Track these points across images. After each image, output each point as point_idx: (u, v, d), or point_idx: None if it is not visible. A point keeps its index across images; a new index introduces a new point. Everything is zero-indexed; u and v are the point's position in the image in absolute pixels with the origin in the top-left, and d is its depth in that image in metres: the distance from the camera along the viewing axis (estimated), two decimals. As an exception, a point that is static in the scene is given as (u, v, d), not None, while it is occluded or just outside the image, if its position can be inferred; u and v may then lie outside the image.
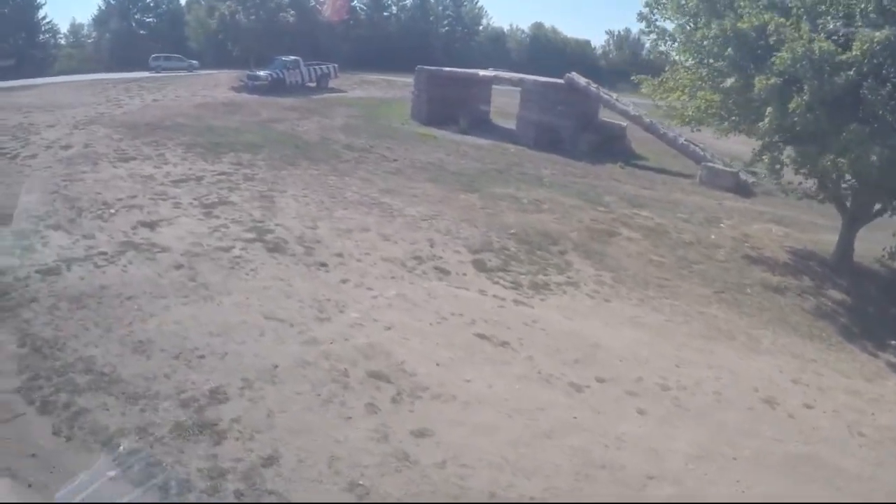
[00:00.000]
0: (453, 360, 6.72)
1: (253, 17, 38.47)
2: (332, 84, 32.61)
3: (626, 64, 52.59)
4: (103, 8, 47.28)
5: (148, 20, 48.57)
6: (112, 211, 10.47)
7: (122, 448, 4.75)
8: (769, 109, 9.67)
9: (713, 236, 12.79)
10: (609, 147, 20.87)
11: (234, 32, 38.86)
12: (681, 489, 5.24)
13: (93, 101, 23.85)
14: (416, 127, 22.83)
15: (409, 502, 4.69)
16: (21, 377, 5.68)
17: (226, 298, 7.61)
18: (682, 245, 12.04)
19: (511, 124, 23.13)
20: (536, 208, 13.15)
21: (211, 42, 40.69)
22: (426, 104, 24.00)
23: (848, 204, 11.31)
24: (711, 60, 10.66)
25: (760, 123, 9.97)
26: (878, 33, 8.83)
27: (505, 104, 25.60)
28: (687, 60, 11.47)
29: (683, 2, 11.12)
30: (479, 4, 55.42)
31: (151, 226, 9.89)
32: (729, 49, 10.06)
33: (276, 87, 28.96)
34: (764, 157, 10.99)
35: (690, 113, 11.84)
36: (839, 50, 9.07)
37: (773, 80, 9.40)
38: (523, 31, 57.67)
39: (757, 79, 9.59)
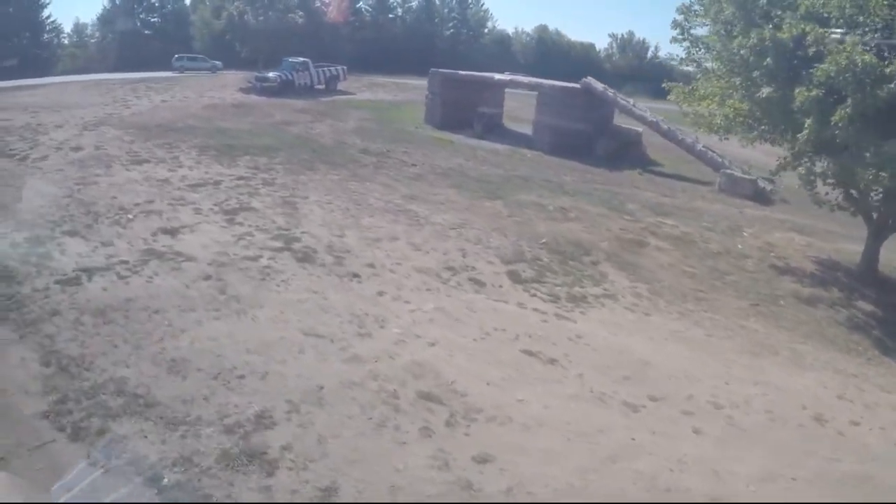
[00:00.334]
0: (504, 379, 6.45)
1: (262, 18, 38.03)
2: (340, 86, 32.28)
3: (631, 67, 52.74)
4: (108, 8, 47.02)
5: (153, 20, 48.31)
6: (130, 216, 10.09)
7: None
8: (808, 121, 9.52)
9: (740, 246, 12.63)
10: (625, 153, 20.70)
11: (242, 33, 38.49)
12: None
13: (100, 101, 23.50)
14: (431, 131, 22.52)
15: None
16: (48, 399, 5.24)
17: (259, 312, 7.28)
18: (711, 255, 11.87)
19: (524, 128, 22.89)
20: (563, 216, 12.91)
21: (217, 42, 40.37)
22: (440, 108, 23.43)
23: (875, 215, 11.21)
24: (746, 70, 10.47)
25: (799, 135, 9.81)
26: None
27: (514, 108, 25.35)
28: (721, 69, 11.26)
29: (719, 9, 10.94)
30: (485, 7, 55.40)
31: (172, 233, 9.53)
32: (768, 59, 9.87)
33: (284, 89, 28.57)
34: (798, 167, 10.85)
35: (719, 121, 11.71)
36: (883, 63, 8.90)
37: (814, 92, 9.24)
38: (528, 34, 57.72)
39: (797, 90, 9.44)
